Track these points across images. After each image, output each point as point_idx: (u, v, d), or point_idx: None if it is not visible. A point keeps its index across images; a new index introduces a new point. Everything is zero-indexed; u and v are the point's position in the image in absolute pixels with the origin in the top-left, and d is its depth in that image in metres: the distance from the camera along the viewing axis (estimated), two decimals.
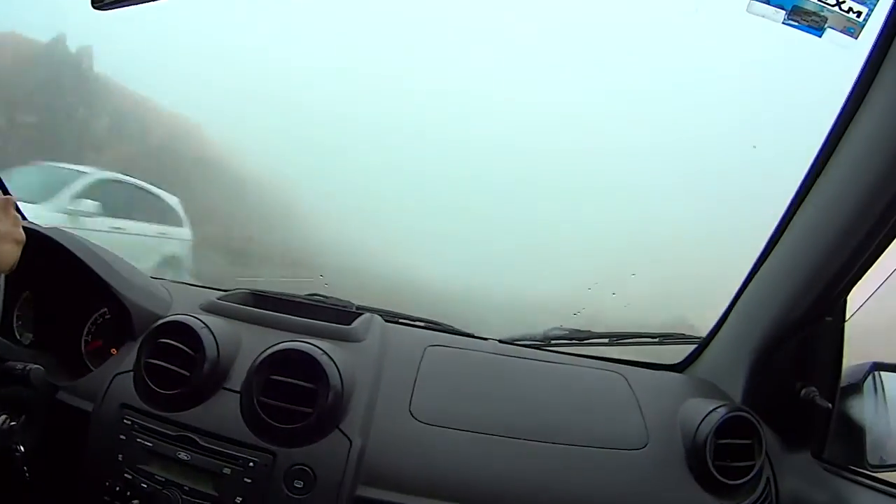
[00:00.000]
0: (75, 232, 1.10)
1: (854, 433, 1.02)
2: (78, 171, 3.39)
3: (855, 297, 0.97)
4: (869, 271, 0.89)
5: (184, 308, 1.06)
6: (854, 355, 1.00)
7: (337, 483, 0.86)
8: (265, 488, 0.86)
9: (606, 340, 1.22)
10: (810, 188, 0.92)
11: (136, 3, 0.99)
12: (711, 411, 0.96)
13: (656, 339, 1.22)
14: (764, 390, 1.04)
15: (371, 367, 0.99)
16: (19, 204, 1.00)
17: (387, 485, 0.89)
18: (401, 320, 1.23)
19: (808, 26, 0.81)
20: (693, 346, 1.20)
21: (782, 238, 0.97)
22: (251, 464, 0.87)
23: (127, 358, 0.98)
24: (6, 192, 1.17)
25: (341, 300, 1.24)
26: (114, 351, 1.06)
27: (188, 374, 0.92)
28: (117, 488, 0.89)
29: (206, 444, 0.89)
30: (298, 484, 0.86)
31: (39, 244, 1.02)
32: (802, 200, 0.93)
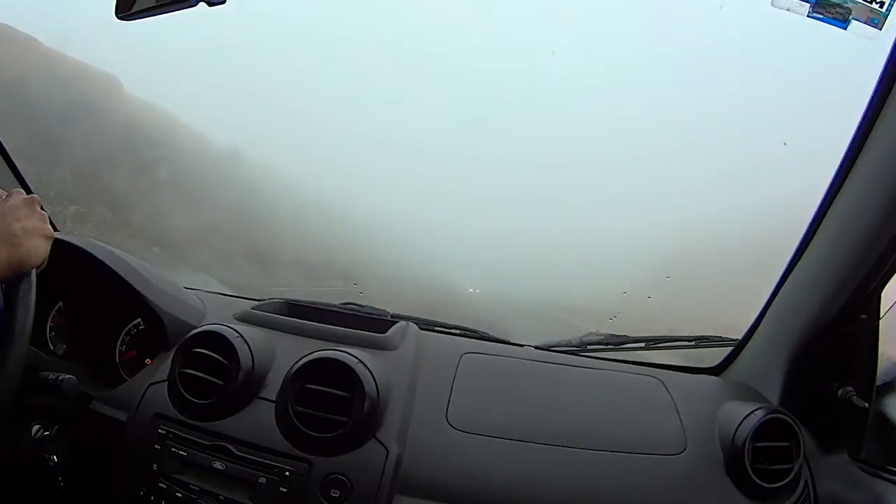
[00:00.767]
0: None
1: (892, 432, 1.01)
2: None
3: (889, 294, 0.96)
4: None
5: (218, 318, 1.07)
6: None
7: (373, 492, 0.86)
8: (301, 497, 0.85)
9: (643, 345, 1.21)
10: (841, 185, 0.92)
11: (160, 13, 0.99)
12: (749, 414, 0.95)
13: (692, 343, 1.21)
14: (800, 391, 1.02)
15: (406, 375, 0.99)
16: None
17: (424, 493, 0.89)
18: (436, 328, 1.23)
19: (833, 18, 0.81)
20: (729, 349, 1.19)
21: (815, 237, 0.97)
22: (287, 473, 0.87)
23: (161, 368, 0.98)
24: (29, 192, 1.19)
25: (377, 309, 1.24)
26: (148, 361, 1.06)
27: (222, 383, 0.92)
28: (152, 498, 0.90)
29: (241, 454, 0.89)
30: (335, 493, 0.85)
31: (73, 255, 1.03)
32: (834, 198, 0.93)
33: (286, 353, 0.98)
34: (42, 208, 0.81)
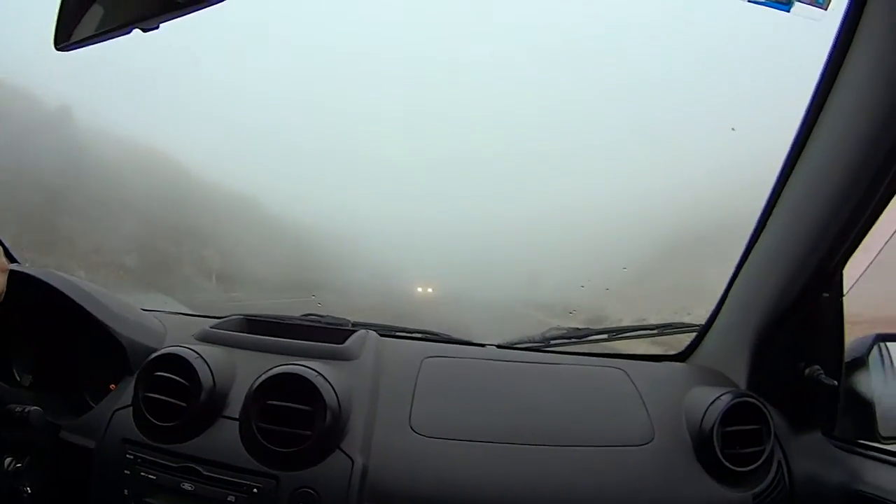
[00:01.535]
0: None
1: (863, 407, 1.01)
2: None
3: (852, 271, 0.95)
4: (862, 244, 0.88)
5: (178, 339, 1.06)
6: None
7: (342, 503, 0.86)
8: None
9: (605, 336, 1.20)
10: (795, 164, 0.91)
11: (98, 41, 0.99)
12: (716, 399, 0.95)
13: (655, 331, 1.20)
14: (768, 373, 1.02)
15: (367, 385, 0.99)
16: None
17: (392, 501, 0.89)
18: (397, 334, 1.22)
19: (775, 1, 0.79)
20: (693, 335, 1.18)
21: (771, 218, 0.96)
22: (255, 490, 0.87)
23: (125, 393, 0.98)
24: None
25: (337, 318, 1.23)
26: (112, 386, 1.06)
27: (185, 405, 0.92)
28: None
29: (210, 474, 0.89)
30: None
31: (31, 286, 1.03)
32: (789, 177, 0.92)
33: (246, 370, 0.97)
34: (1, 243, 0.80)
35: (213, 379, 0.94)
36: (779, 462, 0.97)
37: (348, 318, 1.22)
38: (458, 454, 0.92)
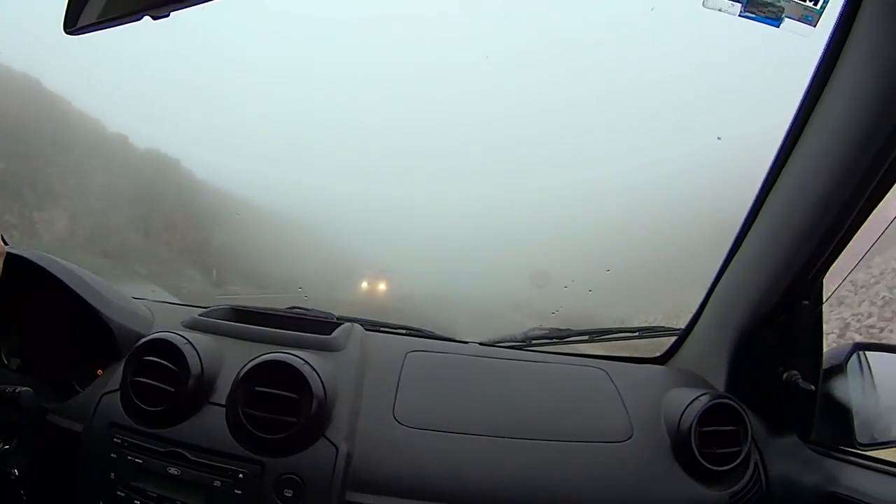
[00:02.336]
0: None
1: (841, 414, 1.02)
2: None
3: (832, 279, 0.97)
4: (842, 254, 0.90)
5: (166, 326, 1.07)
6: None
7: (326, 490, 0.87)
8: (256, 499, 0.87)
9: (587, 337, 1.22)
10: (778, 175, 0.93)
11: (107, 27, 1.00)
12: (694, 400, 0.97)
13: (636, 334, 1.22)
14: (746, 377, 1.04)
15: (353, 375, 1.00)
16: None
17: (375, 489, 0.90)
18: (382, 328, 1.24)
19: (766, 17, 0.81)
20: (673, 339, 1.20)
21: (754, 226, 0.98)
22: (240, 475, 0.88)
23: (113, 377, 0.99)
24: None
25: (322, 312, 1.24)
26: (100, 371, 1.07)
27: (173, 390, 0.93)
28: None
29: (196, 459, 0.90)
30: (288, 493, 0.87)
31: (24, 269, 1.03)
32: (771, 187, 0.94)
33: (234, 357, 0.98)
34: None
35: (202, 365, 0.95)
36: (755, 463, 0.99)
37: (333, 312, 1.23)
38: (440, 445, 0.94)
